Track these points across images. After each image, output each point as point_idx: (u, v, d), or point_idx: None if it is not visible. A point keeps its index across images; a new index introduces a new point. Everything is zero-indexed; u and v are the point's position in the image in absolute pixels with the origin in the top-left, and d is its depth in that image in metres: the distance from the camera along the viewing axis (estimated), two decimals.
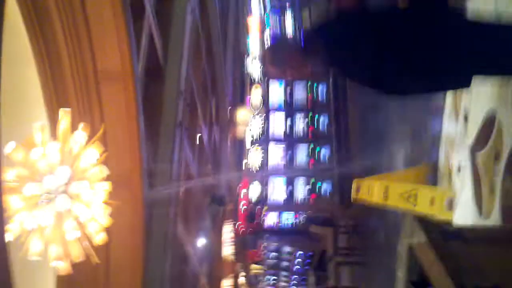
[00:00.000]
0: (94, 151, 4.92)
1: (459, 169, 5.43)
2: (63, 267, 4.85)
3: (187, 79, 9.93)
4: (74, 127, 5.00)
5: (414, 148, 7.66)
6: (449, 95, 5.53)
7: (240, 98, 25.55)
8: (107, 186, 5.04)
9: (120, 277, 6.76)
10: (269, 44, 17.73)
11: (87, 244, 4.99)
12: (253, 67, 18.38)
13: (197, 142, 13.16)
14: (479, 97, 4.81)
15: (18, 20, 5.70)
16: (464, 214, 5.09)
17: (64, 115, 4.82)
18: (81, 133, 4.86)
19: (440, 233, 2.71)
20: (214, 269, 17.75)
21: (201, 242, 13.92)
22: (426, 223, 2.79)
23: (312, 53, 3.23)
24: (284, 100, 17.92)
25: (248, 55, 20.51)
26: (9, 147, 4.39)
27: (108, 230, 5.35)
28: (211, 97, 16.33)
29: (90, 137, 5.03)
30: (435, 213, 5.50)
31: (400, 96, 3.21)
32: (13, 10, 5.43)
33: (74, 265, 5.04)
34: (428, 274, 2.53)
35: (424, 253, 2.64)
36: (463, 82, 3.12)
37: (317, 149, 16.59)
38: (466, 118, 5.21)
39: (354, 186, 7.42)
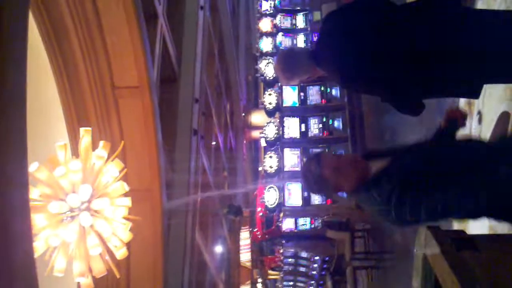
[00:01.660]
0: (114, 168, 5.04)
1: None
2: (86, 282, 4.96)
3: (202, 85, 10.02)
4: (94, 144, 5.12)
5: None
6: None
7: (254, 103, 25.62)
8: (127, 201, 5.16)
9: None
10: (280, 51, 17.76)
11: (109, 259, 5.10)
12: (266, 71, 18.44)
13: (213, 150, 13.24)
14: (493, 97, 4.85)
15: (37, 40, 5.85)
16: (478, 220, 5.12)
17: (85, 134, 4.95)
18: (102, 150, 4.98)
19: (453, 243, 2.76)
20: (232, 276, 17.79)
21: (218, 249, 13.99)
22: (438, 233, 2.84)
23: (323, 58, 3.27)
24: (298, 105, 17.95)
25: (260, 58, 20.58)
26: (33, 167, 4.53)
27: (128, 244, 5.46)
28: (225, 103, 16.41)
29: (110, 153, 5.14)
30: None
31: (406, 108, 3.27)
32: (32, 29, 5.57)
33: (96, 280, 5.15)
34: (442, 285, 2.59)
35: (438, 263, 2.70)
36: (473, 91, 3.15)
37: (333, 151, 16.59)
38: (480, 119, 5.25)
39: None
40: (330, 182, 2.82)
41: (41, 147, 5.15)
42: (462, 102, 5.68)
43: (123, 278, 6.44)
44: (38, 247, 4.54)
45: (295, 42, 20.62)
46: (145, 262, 6.76)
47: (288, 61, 3.40)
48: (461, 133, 5.79)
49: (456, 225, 5.53)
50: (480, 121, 5.26)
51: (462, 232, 3.01)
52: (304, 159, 17.00)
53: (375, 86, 3.14)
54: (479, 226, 5.08)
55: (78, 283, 5.11)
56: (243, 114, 21.21)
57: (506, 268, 2.59)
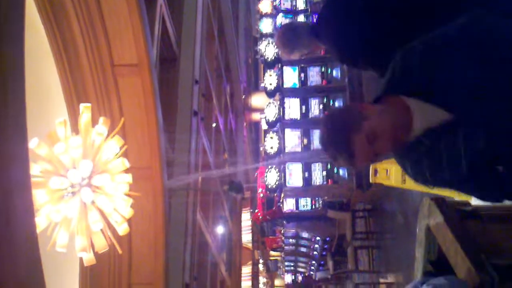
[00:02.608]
0: (115, 144, 5.02)
1: None
2: (88, 258, 4.98)
3: (201, 67, 9.99)
4: (94, 121, 5.11)
5: None
6: None
7: (254, 85, 25.56)
8: (128, 178, 5.15)
9: (142, 266, 6.91)
10: (280, 27, 17.62)
11: (111, 235, 5.11)
12: (267, 52, 18.33)
13: (214, 131, 13.24)
14: None
15: (36, 17, 5.81)
16: None
17: (85, 110, 4.92)
18: (102, 126, 4.96)
19: (457, 213, 2.75)
20: (233, 257, 17.90)
21: (219, 230, 14.04)
22: (442, 204, 2.83)
23: (324, 34, 3.23)
24: (299, 85, 17.87)
25: (260, 39, 20.45)
26: (33, 143, 4.51)
27: (130, 221, 5.48)
28: (225, 85, 16.38)
29: (110, 130, 5.13)
30: (452, 194, 5.54)
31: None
32: (30, 8, 5.53)
33: (98, 256, 5.17)
34: (446, 253, 2.58)
35: (442, 233, 2.69)
36: None
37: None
38: None
39: (371, 169, 7.47)
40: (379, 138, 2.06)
41: (41, 124, 5.13)
42: None
43: (125, 254, 6.49)
44: (40, 222, 4.55)
45: None
46: (147, 239, 6.80)
47: (289, 35, 3.39)
48: None
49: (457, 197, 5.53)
50: None
51: (466, 203, 3.00)
52: (305, 140, 16.98)
53: (381, 56, 3.08)
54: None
55: (81, 258, 5.12)
56: (243, 96, 21.17)
57: (510, 238, 2.59)
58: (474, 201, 4.83)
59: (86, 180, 4.80)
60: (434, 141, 2.12)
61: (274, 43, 16.86)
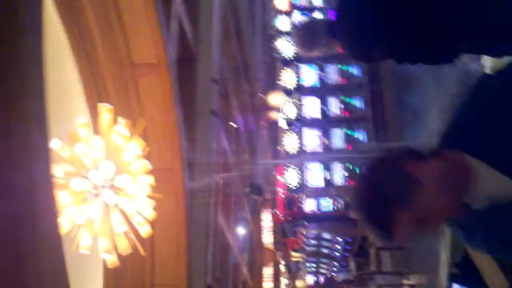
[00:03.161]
0: (136, 145, 4.99)
1: None
2: (112, 260, 4.95)
3: (220, 66, 9.93)
4: (114, 122, 5.08)
5: None
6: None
7: (272, 83, 25.49)
8: (150, 179, 5.11)
9: (165, 268, 6.88)
10: (298, 24, 17.56)
11: (134, 237, 5.08)
12: (284, 50, 18.26)
13: (233, 131, 13.19)
14: None
15: (55, 20, 5.81)
16: None
17: (107, 111, 4.90)
18: (123, 128, 4.93)
19: None
20: (255, 258, 17.85)
21: (241, 231, 14.00)
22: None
23: (341, 31, 3.22)
24: (317, 84, 17.78)
25: (277, 37, 20.41)
26: (55, 144, 4.49)
27: (152, 223, 5.44)
28: (243, 83, 16.33)
29: (131, 131, 5.10)
30: None
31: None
32: (48, 9, 5.52)
33: (121, 258, 5.14)
34: (472, 256, 2.50)
35: None
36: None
37: (353, 133, 16.43)
38: None
39: None
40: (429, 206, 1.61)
41: (61, 124, 5.11)
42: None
43: (148, 256, 6.45)
44: (63, 224, 4.52)
45: None
46: (169, 240, 6.77)
47: (308, 34, 3.44)
48: None
49: None
50: None
51: None
52: (326, 140, 16.87)
53: (401, 42, 3.02)
54: None
55: (104, 260, 5.10)
56: (261, 94, 21.09)
57: None
58: None
59: (108, 182, 4.77)
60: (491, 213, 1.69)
61: (292, 41, 16.79)
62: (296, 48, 16.09)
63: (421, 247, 10.91)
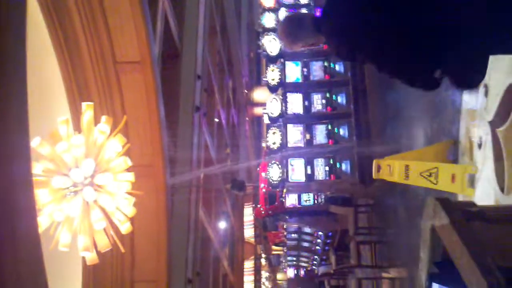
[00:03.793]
0: (117, 143, 5.01)
1: (479, 145, 5.43)
2: (91, 257, 4.97)
3: (204, 62, 9.94)
4: (96, 119, 5.08)
5: (434, 125, 7.65)
6: None
7: (257, 79, 25.49)
8: (130, 176, 5.14)
9: (145, 264, 6.90)
10: (283, 18, 17.51)
11: (113, 234, 5.10)
12: (269, 46, 18.26)
13: (216, 126, 13.21)
14: (499, 71, 4.78)
15: (37, 13, 5.78)
16: (485, 191, 5.11)
17: (87, 108, 4.90)
18: (104, 125, 4.94)
19: (463, 214, 2.73)
20: (236, 252, 17.94)
21: (222, 225, 14.06)
22: (448, 205, 2.81)
23: (326, 28, 3.23)
24: (301, 81, 17.82)
25: (263, 34, 20.36)
26: (35, 142, 4.49)
27: (132, 219, 5.46)
28: (228, 79, 16.33)
29: (112, 129, 5.11)
30: (456, 190, 5.53)
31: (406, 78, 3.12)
32: (32, 4, 5.50)
33: (101, 254, 5.16)
34: (451, 255, 2.56)
35: (447, 234, 2.67)
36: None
37: (336, 129, 16.54)
38: (486, 92, 5.19)
39: (374, 166, 7.45)
40: None
41: (43, 122, 5.11)
42: None
43: (128, 252, 6.48)
44: (42, 222, 4.54)
45: None
46: (150, 237, 6.79)
47: (293, 26, 3.43)
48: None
49: (461, 197, 5.52)
50: (486, 94, 5.19)
51: (471, 204, 2.98)
52: (307, 135, 16.96)
53: (380, 51, 3.05)
54: (485, 198, 5.06)
55: (83, 257, 5.11)
56: (246, 90, 21.12)
57: None
58: (478, 199, 4.81)
59: (88, 179, 4.79)
60: None
61: (277, 35, 16.79)
62: (280, 41, 16.12)
63: (401, 242, 11.05)
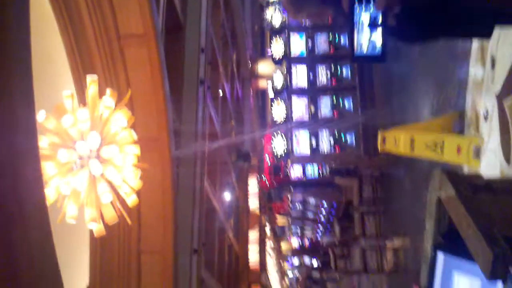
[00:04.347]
0: (122, 116, 5.00)
1: (485, 117, 5.39)
2: (98, 229, 5.01)
3: (207, 35, 9.85)
4: (101, 93, 5.07)
5: (440, 96, 7.60)
6: (476, 41, 5.43)
7: (261, 52, 25.31)
8: (136, 149, 5.14)
9: (151, 235, 6.96)
10: None
11: (120, 206, 5.13)
12: (273, 18, 18.08)
13: (220, 100, 13.17)
14: (506, 42, 4.72)
15: None
16: (491, 162, 5.10)
17: (92, 82, 4.88)
18: (109, 98, 4.93)
19: (469, 186, 2.72)
20: (241, 222, 18.05)
21: (227, 197, 14.13)
22: (454, 176, 2.79)
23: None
24: (306, 52, 17.68)
25: (267, 7, 20.20)
26: (40, 116, 4.49)
27: (139, 192, 5.49)
28: (232, 52, 16.20)
29: (117, 102, 5.09)
30: (462, 162, 5.52)
31: (417, 43, 3.06)
32: None
33: (108, 227, 5.20)
34: (457, 227, 2.56)
35: (453, 206, 2.66)
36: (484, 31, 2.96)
37: (341, 100, 16.49)
38: (493, 64, 5.13)
39: (379, 137, 7.43)
40: None
41: (47, 96, 5.10)
42: (475, 48, 5.54)
43: (135, 224, 6.52)
44: (49, 195, 4.56)
45: None
46: (156, 209, 6.83)
47: None
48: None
49: (466, 169, 5.52)
50: (493, 66, 5.14)
51: (478, 175, 2.97)
52: (312, 108, 16.91)
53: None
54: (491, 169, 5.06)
55: (91, 229, 5.16)
56: (250, 63, 20.98)
57: None
58: (484, 170, 4.79)
59: (94, 152, 4.80)
60: None
61: (281, 4, 16.59)
62: (284, 11, 15.92)
63: (405, 212, 11.10)
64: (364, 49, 2.61)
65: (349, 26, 2.75)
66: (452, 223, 2.66)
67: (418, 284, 3.15)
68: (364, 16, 2.68)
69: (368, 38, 2.62)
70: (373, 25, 2.72)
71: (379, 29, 2.62)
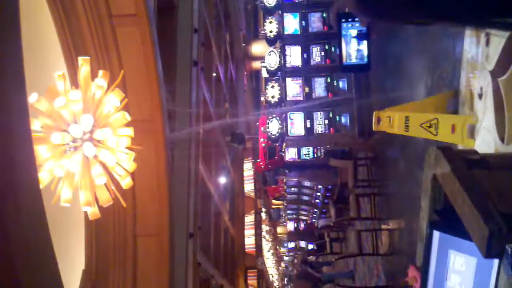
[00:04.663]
0: (115, 97, 4.96)
1: (480, 95, 5.38)
2: (93, 212, 4.99)
3: (200, 15, 9.77)
4: (93, 74, 5.02)
5: (434, 76, 7.57)
6: None
7: (254, 32, 25.16)
8: (129, 131, 5.11)
9: (147, 218, 6.96)
10: None
11: (114, 189, 5.11)
12: None
13: (214, 81, 13.11)
14: None
15: None
16: (486, 141, 5.10)
17: (84, 63, 4.83)
18: (101, 80, 4.88)
19: (464, 162, 2.71)
20: (236, 206, 18.09)
21: (222, 180, 14.13)
22: (449, 153, 2.79)
23: None
24: (300, 32, 17.59)
25: None
26: (32, 98, 4.44)
27: (133, 174, 5.47)
28: (225, 33, 16.09)
29: (110, 84, 5.04)
30: (456, 141, 5.52)
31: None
32: None
33: (103, 210, 5.19)
34: (452, 203, 2.56)
35: (449, 182, 2.66)
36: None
37: (335, 81, 16.44)
38: (487, 43, 5.11)
39: (374, 117, 7.41)
40: None
41: (39, 78, 5.04)
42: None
43: (129, 207, 6.52)
44: (43, 178, 4.53)
45: None
46: (151, 192, 6.82)
47: None
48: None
49: (461, 148, 5.51)
50: (487, 43, 5.12)
51: (473, 151, 2.96)
52: (306, 89, 16.87)
53: None
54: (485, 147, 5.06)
55: (85, 212, 5.14)
56: (243, 44, 20.87)
57: None
58: (478, 148, 4.79)
59: (87, 135, 4.76)
60: None
61: None
62: None
63: (400, 194, 11.13)
64: (353, 59, 2.61)
65: (337, 39, 2.74)
66: (448, 201, 2.65)
67: (414, 264, 3.16)
68: (351, 30, 2.68)
69: (355, 48, 2.61)
70: (359, 37, 2.73)
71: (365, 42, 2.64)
